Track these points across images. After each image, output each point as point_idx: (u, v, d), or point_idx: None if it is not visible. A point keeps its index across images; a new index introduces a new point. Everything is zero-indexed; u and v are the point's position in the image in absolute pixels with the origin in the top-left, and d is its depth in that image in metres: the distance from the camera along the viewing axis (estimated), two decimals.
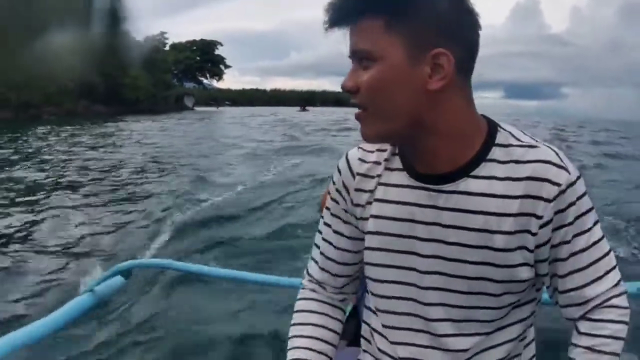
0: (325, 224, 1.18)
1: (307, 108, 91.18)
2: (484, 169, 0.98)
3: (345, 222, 1.15)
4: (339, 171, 1.14)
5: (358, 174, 1.10)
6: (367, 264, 1.10)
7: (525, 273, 1.00)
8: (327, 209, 1.17)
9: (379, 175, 1.08)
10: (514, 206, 0.96)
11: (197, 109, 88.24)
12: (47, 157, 17.22)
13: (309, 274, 1.22)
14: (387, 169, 1.07)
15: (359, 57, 0.96)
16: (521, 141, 0.99)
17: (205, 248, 5.99)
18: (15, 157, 17.07)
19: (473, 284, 1.00)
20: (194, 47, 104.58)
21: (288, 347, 1.16)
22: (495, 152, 0.98)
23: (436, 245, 1.01)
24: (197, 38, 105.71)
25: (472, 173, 0.98)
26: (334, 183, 1.15)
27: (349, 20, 0.96)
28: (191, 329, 3.66)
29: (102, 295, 3.66)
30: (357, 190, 1.10)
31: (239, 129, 32.40)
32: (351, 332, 1.89)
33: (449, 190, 0.99)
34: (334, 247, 1.17)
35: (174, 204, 8.88)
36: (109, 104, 57.95)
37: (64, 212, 8.62)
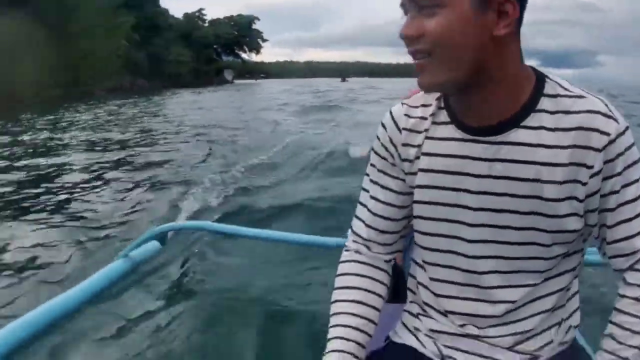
0: (372, 181, 1.15)
1: (346, 79, 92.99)
2: (533, 119, 0.96)
3: (392, 177, 1.12)
4: (384, 127, 1.12)
5: (404, 129, 1.08)
6: (417, 217, 1.09)
7: (574, 223, 0.98)
8: (373, 165, 1.14)
9: (426, 130, 1.05)
10: (563, 156, 0.94)
11: (236, 81, 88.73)
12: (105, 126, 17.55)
13: (354, 233, 1.18)
14: (434, 123, 1.05)
15: (421, 4, 0.90)
16: (569, 91, 0.97)
17: (245, 211, 5.71)
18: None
19: (523, 235, 0.99)
20: (232, 23, 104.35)
21: (331, 312, 1.12)
22: (544, 103, 0.96)
23: (485, 197, 0.99)
24: (233, 13, 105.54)
25: (522, 124, 0.96)
26: (378, 139, 1.12)
27: None
28: (229, 292, 3.43)
29: (138, 260, 3.59)
30: (404, 145, 1.08)
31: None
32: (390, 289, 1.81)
33: (499, 142, 0.97)
34: (382, 202, 1.13)
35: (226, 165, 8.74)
36: (152, 79, 58.48)
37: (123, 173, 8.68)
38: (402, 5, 0.94)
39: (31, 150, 11.68)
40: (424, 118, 1.06)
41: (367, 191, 1.15)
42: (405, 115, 1.08)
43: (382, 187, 1.12)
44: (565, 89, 0.97)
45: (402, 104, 1.11)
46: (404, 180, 1.09)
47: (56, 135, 14.79)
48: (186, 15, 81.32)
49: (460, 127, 1.01)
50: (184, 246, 4.21)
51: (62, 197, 6.90)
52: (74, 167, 9.49)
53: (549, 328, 1.06)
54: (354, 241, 1.18)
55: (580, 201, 0.96)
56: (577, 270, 1.08)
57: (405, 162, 1.08)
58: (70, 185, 7.73)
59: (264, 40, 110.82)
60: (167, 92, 44.38)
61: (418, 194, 1.06)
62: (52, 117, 21.18)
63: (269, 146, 10.61)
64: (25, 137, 14.34)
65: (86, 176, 8.45)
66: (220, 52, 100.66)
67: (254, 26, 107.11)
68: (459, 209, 1.02)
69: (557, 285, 1.05)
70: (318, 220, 5.22)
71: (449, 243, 1.05)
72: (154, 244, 3.77)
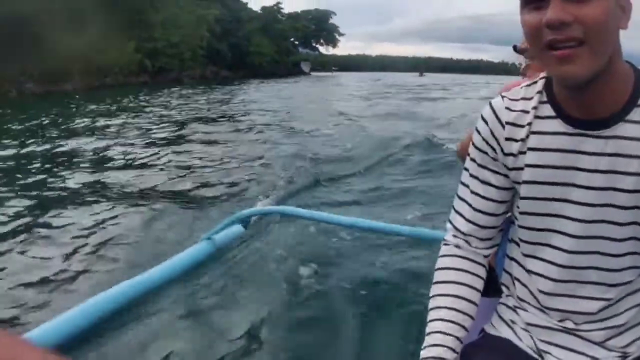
0: (472, 175, 1.11)
1: (424, 74, 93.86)
2: (636, 114, 0.94)
3: (493, 171, 1.08)
4: (485, 121, 1.07)
5: (507, 123, 1.04)
6: (523, 213, 1.05)
7: None
8: (473, 160, 1.11)
9: (529, 124, 1.01)
10: None
11: (312, 74, 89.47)
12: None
13: (454, 228, 1.15)
14: (537, 117, 1.01)
15: None
16: None
17: (327, 196, 5.60)
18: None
19: (624, 230, 0.97)
20: (310, 17, 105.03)
21: (431, 306, 1.10)
22: None
23: (593, 192, 0.97)
24: (307, 7, 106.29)
25: (627, 118, 0.94)
26: (479, 133, 1.08)
27: None
28: (313, 279, 3.31)
29: (221, 244, 3.52)
30: (507, 139, 1.04)
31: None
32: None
33: (607, 136, 0.95)
34: (483, 197, 1.10)
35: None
36: (234, 69, 59.73)
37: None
38: None
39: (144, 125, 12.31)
40: (525, 111, 1.02)
41: (467, 186, 1.12)
42: (507, 108, 1.04)
43: (482, 182, 1.10)
44: None
45: (502, 97, 1.06)
46: (505, 175, 1.07)
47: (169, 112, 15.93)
48: (264, 8, 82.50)
49: (567, 120, 0.98)
50: (267, 230, 4.13)
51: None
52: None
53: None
54: (454, 236, 1.15)
55: None
56: None
57: (509, 156, 1.04)
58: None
59: (341, 35, 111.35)
60: (252, 81, 45.38)
61: (525, 190, 1.03)
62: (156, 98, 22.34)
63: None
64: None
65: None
66: (297, 45, 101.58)
67: (330, 20, 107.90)
68: (567, 204, 0.99)
69: None
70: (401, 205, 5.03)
71: (553, 238, 1.02)
72: (238, 228, 3.71)
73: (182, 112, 16.67)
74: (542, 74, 1.04)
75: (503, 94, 1.07)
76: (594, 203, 0.97)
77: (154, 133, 11.47)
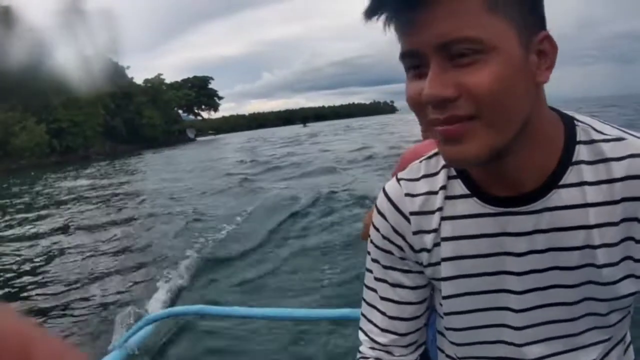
0: (378, 279, 0.88)
1: (307, 125, 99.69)
2: (571, 174, 0.73)
3: (403, 271, 0.86)
4: (383, 215, 0.85)
5: (412, 213, 0.82)
6: (448, 314, 0.84)
7: (632, 286, 0.77)
8: (375, 261, 0.88)
9: (439, 209, 0.80)
10: (615, 213, 0.73)
11: (198, 139, 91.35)
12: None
13: (370, 339, 0.90)
14: (447, 197, 0.80)
15: (457, 51, 0.63)
16: (605, 134, 0.74)
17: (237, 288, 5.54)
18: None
19: (576, 309, 0.79)
20: (189, 84, 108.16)
21: None
22: (580, 152, 0.74)
23: (532, 276, 0.77)
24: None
25: (561, 182, 0.73)
26: (377, 230, 0.86)
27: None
28: None
29: (134, 349, 3.01)
30: (416, 233, 0.82)
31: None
32: None
33: (539, 209, 0.74)
34: (396, 302, 0.88)
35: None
36: (131, 143, 61.96)
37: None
38: (411, 55, 0.67)
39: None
40: (432, 192, 0.81)
41: (374, 290, 0.89)
42: (408, 195, 0.82)
43: (392, 284, 0.87)
44: (600, 132, 0.75)
45: (398, 179, 0.85)
46: (419, 272, 0.86)
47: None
48: (147, 80, 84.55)
49: (485, 199, 0.77)
50: (179, 331, 4.25)
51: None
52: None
53: None
54: (371, 348, 0.91)
55: (637, 260, 0.75)
56: (628, 321, 0.87)
57: (422, 252, 0.83)
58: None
59: (220, 98, 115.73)
60: (146, 153, 45.47)
61: (448, 288, 0.82)
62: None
63: None
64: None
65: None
66: (183, 113, 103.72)
67: (210, 85, 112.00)
68: (502, 294, 0.80)
69: (613, 348, 0.85)
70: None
71: (493, 333, 0.83)
72: (149, 330, 3.22)
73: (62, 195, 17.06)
74: None
75: (399, 175, 0.86)
76: (535, 287, 0.78)
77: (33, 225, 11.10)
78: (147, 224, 9.88)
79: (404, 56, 0.68)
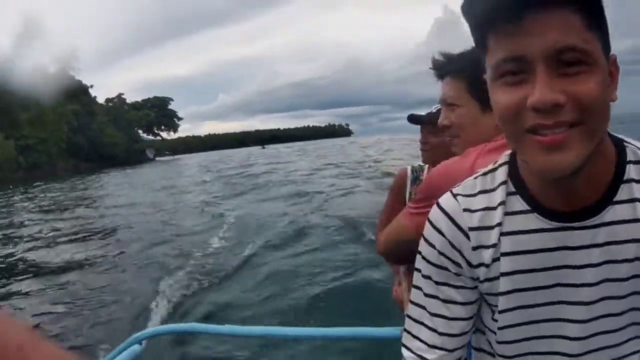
0: (428, 295, 0.89)
1: (265, 146, 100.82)
2: (624, 192, 0.78)
3: (457, 287, 0.87)
4: (438, 230, 0.86)
5: (471, 228, 0.83)
6: (502, 327, 0.85)
7: None
8: (427, 277, 0.89)
9: (499, 225, 0.82)
10: None
11: (157, 159, 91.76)
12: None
13: (417, 356, 0.91)
14: (507, 213, 0.82)
15: (567, 59, 0.67)
16: None
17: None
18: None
19: (622, 320, 0.82)
20: (149, 105, 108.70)
21: None
22: (631, 171, 0.79)
23: (589, 288, 0.80)
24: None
25: (615, 199, 0.78)
26: (431, 245, 0.87)
27: (540, 6, 0.66)
28: None
29: None
30: (475, 248, 0.83)
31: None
32: None
33: (596, 224, 0.78)
34: (447, 319, 0.88)
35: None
36: (93, 161, 62.85)
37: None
38: (514, 60, 0.69)
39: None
40: (490, 208, 0.83)
41: (423, 307, 0.90)
42: (466, 210, 0.84)
43: (445, 301, 0.88)
44: None
45: (454, 195, 0.86)
46: (472, 288, 0.87)
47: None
48: (108, 99, 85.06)
49: (546, 214, 0.79)
50: (166, 350, 4.14)
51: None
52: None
53: None
54: None
55: None
56: None
57: (479, 267, 0.84)
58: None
59: (180, 119, 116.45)
60: (107, 171, 46.00)
61: (505, 302, 0.83)
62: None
63: None
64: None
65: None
66: (143, 132, 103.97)
67: (170, 106, 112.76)
68: (562, 306, 0.82)
69: None
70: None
71: (547, 344, 0.85)
72: (136, 349, 3.07)
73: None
74: (503, 155, 0.86)
75: (454, 191, 0.87)
76: (591, 300, 0.81)
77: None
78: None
79: (505, 61, 0.69)
